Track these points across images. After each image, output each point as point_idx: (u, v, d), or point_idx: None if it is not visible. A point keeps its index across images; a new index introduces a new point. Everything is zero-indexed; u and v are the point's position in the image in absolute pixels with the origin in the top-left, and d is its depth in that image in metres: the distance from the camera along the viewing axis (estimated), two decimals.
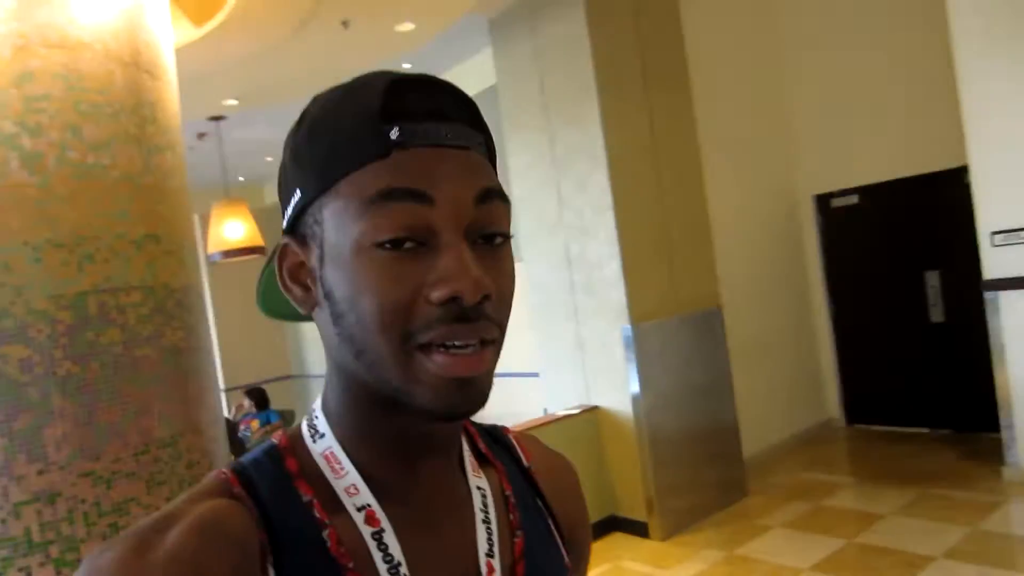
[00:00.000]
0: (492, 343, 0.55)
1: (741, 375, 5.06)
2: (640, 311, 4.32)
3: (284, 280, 0.59)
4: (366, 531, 0.56)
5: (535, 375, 5.01)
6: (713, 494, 4.63)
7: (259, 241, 5.80)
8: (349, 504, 0.57)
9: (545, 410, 4.83)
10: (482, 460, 0.69)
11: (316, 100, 0.59)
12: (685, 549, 4.14)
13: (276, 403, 7.47)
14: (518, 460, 0.72)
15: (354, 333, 0.54)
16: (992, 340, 4.42)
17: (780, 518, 4.37)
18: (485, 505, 0.64)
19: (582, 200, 4.43)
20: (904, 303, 5.62)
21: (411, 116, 0.54)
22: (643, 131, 4.49)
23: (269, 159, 8.26)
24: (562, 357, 4.75)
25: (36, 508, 2.03)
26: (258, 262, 8.62)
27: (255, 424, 6.60)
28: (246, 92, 5.07)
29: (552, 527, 0.70)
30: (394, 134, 0.53)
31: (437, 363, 0.52)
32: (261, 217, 9.23)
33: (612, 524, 4.47)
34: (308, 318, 0.66)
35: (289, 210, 0.58)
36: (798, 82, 6.01)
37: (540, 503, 0.70)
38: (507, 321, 0.57)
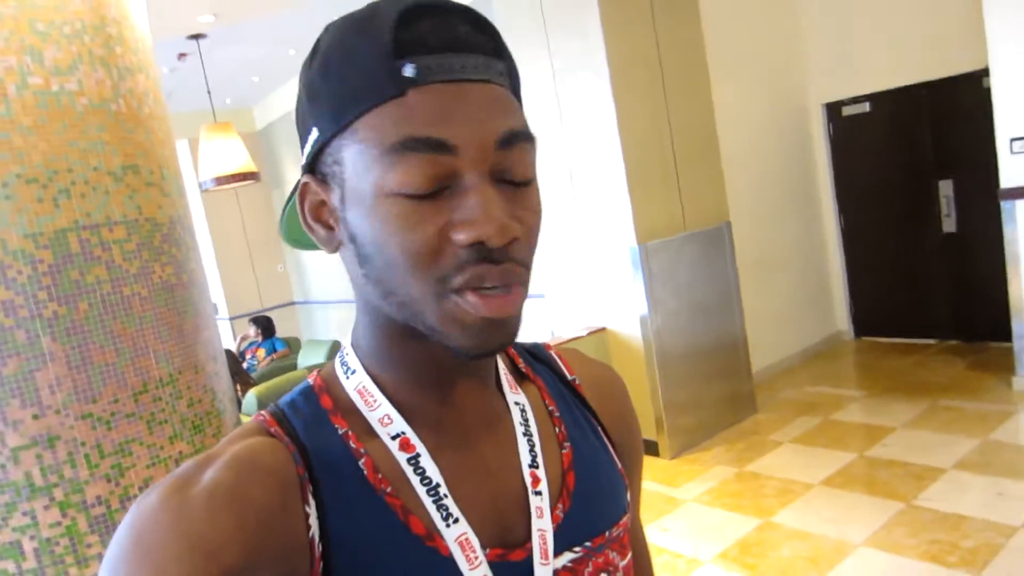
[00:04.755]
0: (520, 283, 0.54)
1: (749, 290, 4.99)
2: (647, 229, 4.20)
3: (306, 219, 0.58)
4: (401, 457, 0.57)
5: (540, 296, 4.94)
6: (722, 411, 4.62)
7: (252, 167, 5.62)
8: (383, 434, 0.58)
9: (552, 333, 4.78)
10: (522, 378, 0.69)
11: (328, 30, 0.55)
12: (695, 466, 4.15)
13: (281, 331, 7.45)
14: (561, 375, 0.73)
15: (383, 276, 0.53)
16: (1007, 250, 4.31)
17: (789, 433, 4.37)
18: (525, 419, 0.64)
19: (583, 115, 4.24)
20: (916, 213, 5.48)
21: (427, 48, 0.50)
22: (647, 40, 4.25)
23: (256, 79, 7.98)
24: (567, 278, 4.65)
25: (35, 452, 1.98)
26: (252, 188, 8.46)
27: (261, 352, 6.59)
28: (222, 6, 4.81)
29: (603, 437, 0.71)
30: (408, 71, 0.50)
31: (471, 303, 0.52)
32: (252, 141, 9.01)
33: None
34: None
35: (307, 148, 0.56)
36: None
37: (588, 414, 0.71)
38: (533, 257, 0.56)
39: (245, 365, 6.24)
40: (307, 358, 5.91)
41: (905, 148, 5.47)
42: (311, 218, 0.58)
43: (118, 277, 2.07)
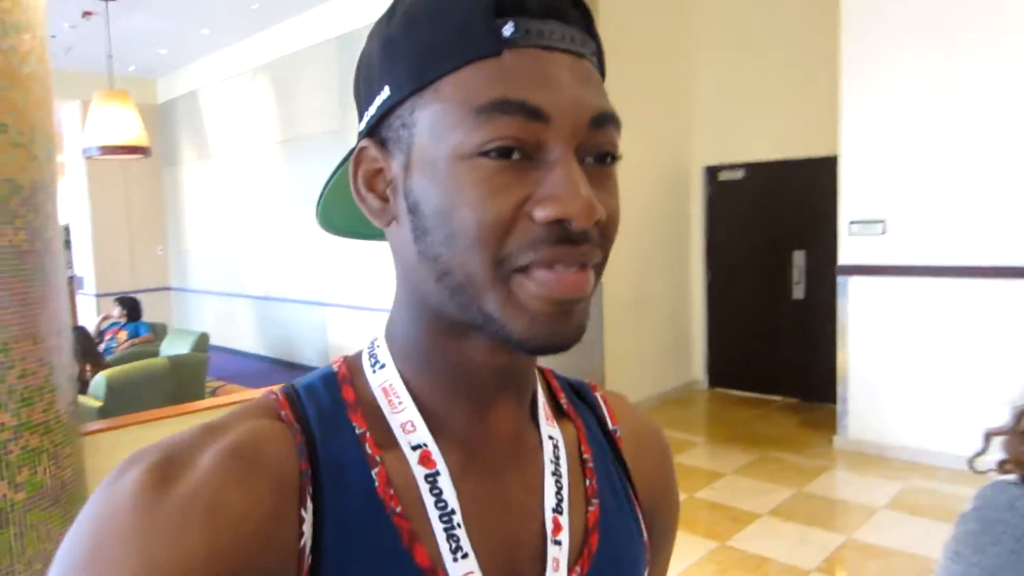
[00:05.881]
0: (595, 267, 0.50)
1: (614, 332, 5.26)
2: None
3: (359, 188, 0.53)
4: (419, 472, 0.51)
5: None
6: None
7: (143, 141, 5.43)
8: (404, 442, 0.52)
9: None
10: (561, 415, 0.63)
11: None
12: None
13: (150, 315, 7.17)
14: (602, 421, 0.66)
15: (441, 252, 0.48)
16: (839, 320, 4.78)
17: None
18: (556, 457, 0.58)
19: None
20: (772, 278, 5.97)
21: (527, 11, 0.47)
22: None
23: (163, 52, 7.76)
24: None
25: None
26: (142, 164, 8.15)
27: (123, 335, 6.31)
28: None
29: (633, 501, 0.63)
30: (507, 30, 0.46)
31: (538, 280, 0.47)
32: (151, 114, 8.70)
33: None
34: (375, 235, 0.62)
35: (372, 109, 0.51)
36: (701, 57, 6.17)
37: (621, 471, 0.64)
38: (611, 247, 0.52)
39: (103, 346, 5.98)
40: (171, 347, 5.74)
41: (768, 217, 5.97)
42: (364, 187, 0.53)
43: None
